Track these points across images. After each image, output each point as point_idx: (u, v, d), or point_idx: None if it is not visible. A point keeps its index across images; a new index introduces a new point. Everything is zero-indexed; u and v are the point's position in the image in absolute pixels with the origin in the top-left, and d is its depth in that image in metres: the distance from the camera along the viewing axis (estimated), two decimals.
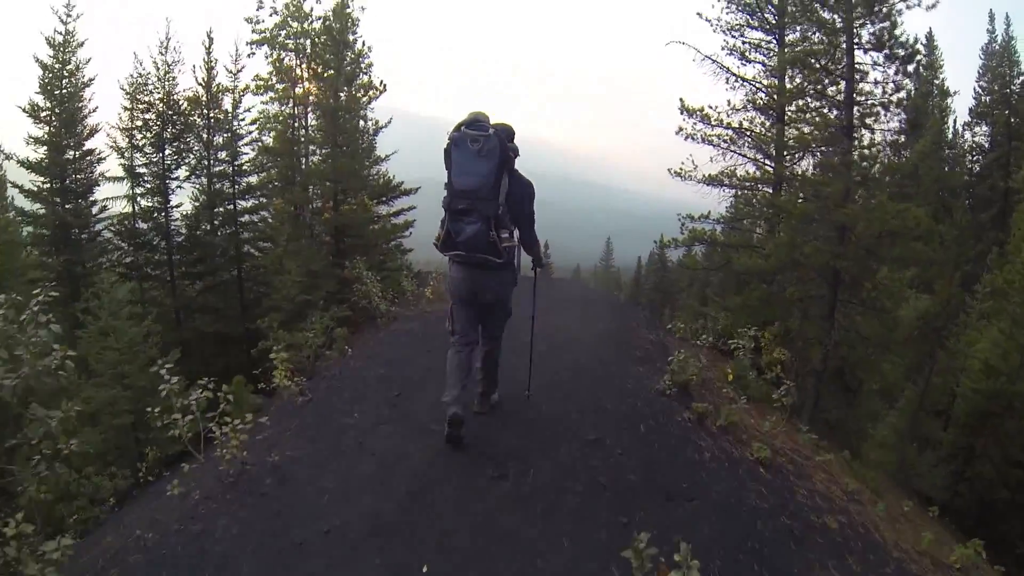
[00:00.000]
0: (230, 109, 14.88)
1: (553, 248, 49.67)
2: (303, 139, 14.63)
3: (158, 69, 13.97)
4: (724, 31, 12.14)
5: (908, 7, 8.22)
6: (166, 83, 14.01)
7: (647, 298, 44.16)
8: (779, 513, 3.99)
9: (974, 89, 24.65)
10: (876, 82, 8.64)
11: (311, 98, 14.02)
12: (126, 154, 13.76)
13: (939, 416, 13.94)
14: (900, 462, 11.63)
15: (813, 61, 8.78)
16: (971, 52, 25.67)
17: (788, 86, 10.10)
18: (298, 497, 3.58)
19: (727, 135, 11.34)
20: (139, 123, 13.85)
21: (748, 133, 10.98)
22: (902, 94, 8.64)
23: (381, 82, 12.92)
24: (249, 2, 15.16)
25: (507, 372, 4.72)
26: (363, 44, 13.36)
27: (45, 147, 12.80)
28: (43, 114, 12.77)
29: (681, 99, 11.65)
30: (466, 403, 4.07)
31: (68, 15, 12.76)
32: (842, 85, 8.82)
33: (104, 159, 13.66)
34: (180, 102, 14.34)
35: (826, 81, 8.94)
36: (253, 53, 15.24)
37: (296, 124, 15.40)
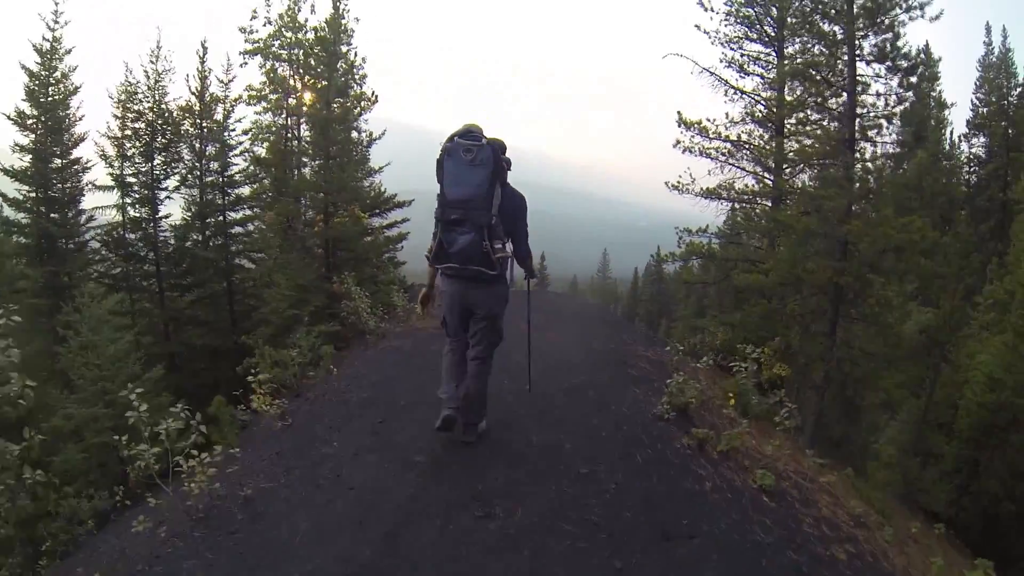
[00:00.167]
0: (221, 119, 14.67)
1: (550, 260, 49.61)
2: (296, 150, 14.46)
3: (148, 77, 13.77)
4: (723, 43, 12.05)
5: (911, 18, 8.06)
6: (156, 92, 13.79)
7: (644, 309, 44.02)
8: (785, 547, 3.74)
9: (971, 101, 24.71)
10: (878, 94, 8.50)
11: (304, 109, 13.89)
12: (114, 163, 13.50)
13: (941, 429, 13.74)
14: (904, 477, 11.42)
15: (814, 73, 8.60)
16: (967, 64, 25.71)
17: (788, 98, 9.93)
18: (269, 537, 3.33)
19: (725, 148, 11.21)
20: (128, 132, 13.60)
21: (747, 146, 10.82)
22: (905, 106, 8.47)
23: (373, 93, 12.78)
24: (243, 12, 15.08)
25: (505, 380, 4.50)
26: (355, 55, 13.23)
27: (30, 156, 12.54)
28: (29, 122, 12.52)
29: (679, 112, 11.52)
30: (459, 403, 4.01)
31: (56, 21, 12.55)
32: (843, 97, 8.65)
33: (90, 168, 13.40)
34: (171, 111, 14.12)
35: (827, 93, 8.77)
36: (246, 63, 15.12)
37: (289, 135, 15.26)
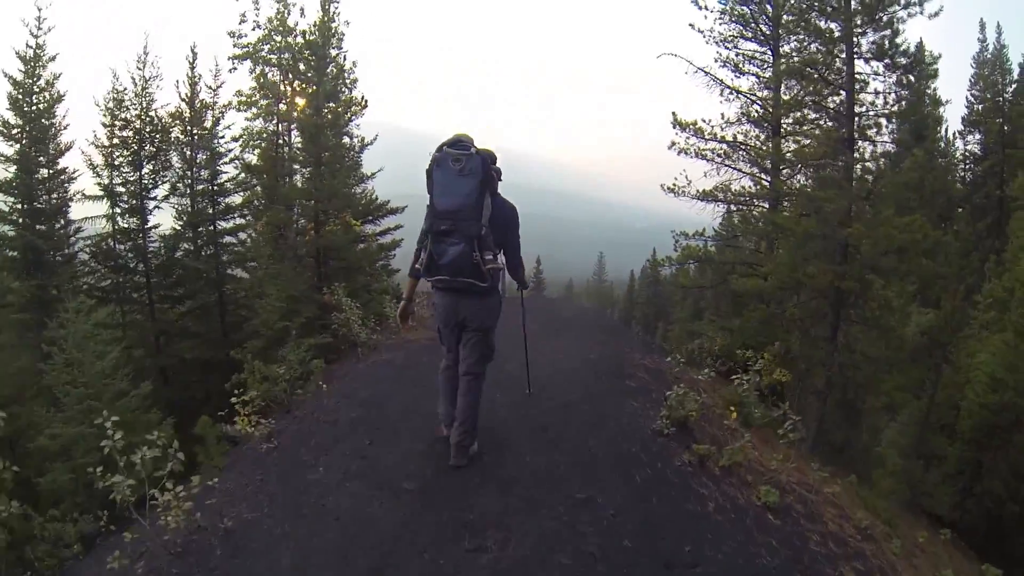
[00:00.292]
0: (210, 126, 14.46)
1: (545, 263, 49.51)
2: (287, 157, 14.26)
3: (135, 84, 13.54)
4: (717, 42, 11.91)
5: (910, 15, 7.91)
6: (144, 99, 13.56)
7: (640, 312, 43.88)
8: (792, 570, 3.59)
9: (966, 98, 24.65)
10: (876, 92, 8.34)
11: (295, 114, 13.70)
12: (102, 172, 13.28)
13: (943, 431, 13.62)
14: (908, 483, 11.28)
15: (811, 72, 8.44)
16: (960, 61, 25.65)
17: (785, 98, 9.78)
18: (249, 573, 3.15)
19: (721, 149, 11.06)
20: (116, 141, 13.37)
21: (743, 147, 10.66)
22: (903, 104, 8.31)
23: (363, 97, 12.59)
24: (231, 15, 14.89)
25: (498, 393, 4.32)
26: (344, 58, 13.05)
27: (15, 166, 12.30)
28: (13, 131, 12.28)
29: (674, 113, 11.38)
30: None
31: (39, 28, 12.31)
32: (841, 96, 8.49)
33: (76, 178, 13.16)
34: (160, 118, 13.90)
35: (825, 92, 8.61)
36: (235, 68, 14.89)
37: (280, 141, 15.05)
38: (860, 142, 8.56)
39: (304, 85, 13.29)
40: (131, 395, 9.08)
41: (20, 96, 12.30)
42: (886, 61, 8.14)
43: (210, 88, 14.31)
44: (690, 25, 11.90)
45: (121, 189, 13.61)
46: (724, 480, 4.52)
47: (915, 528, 8.80)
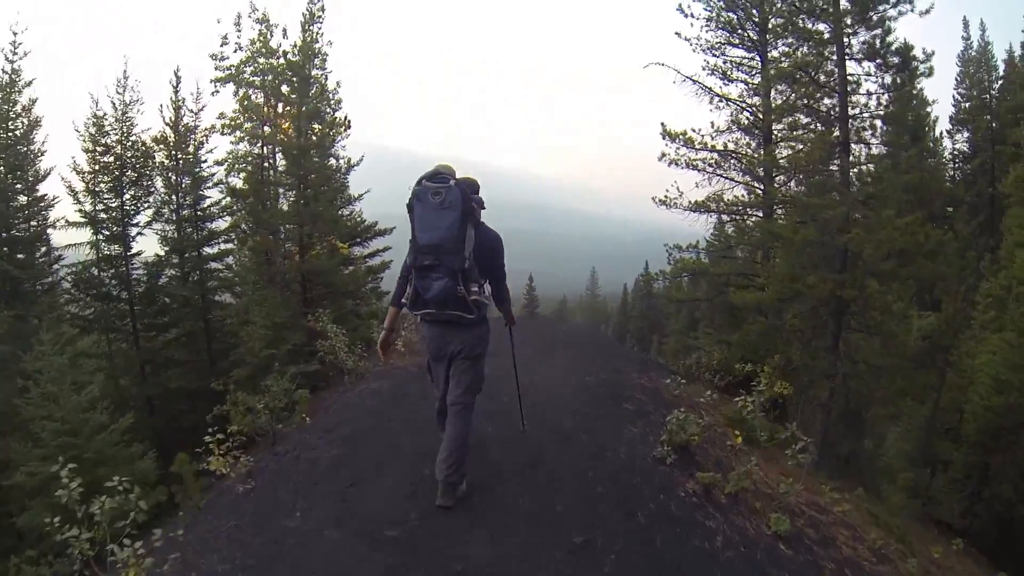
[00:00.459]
0: (192, 150, 14.21)
1: (538, 280, 49.37)
2: (272, 180, 14.01)
3: (116, 109, 13.29)
4: (704, 50, 11.78)
5: (900, 13, 7.75)
6: (124, 124, 13.30)
7: (635, 326, 43.65)
8: None
9: (953, 96, 24.78)
10: (869, 93, 8.17)
11: (279, 137, 13.48)
12: (83, 199, 12.97)
13: (947, 435, 13.39)
14: (916, 492, 11.02)
15: (802, 75, 8.26)
16: (945, 60, 25.70)
17: (777, 102, 9.60)
18: None
19: (712, 159, 10.86)
20: (96, 167, 13.09)
21: (735, 155, 10.48)
22: (898, 104, 8.13)
23: (345, 118, 12.38)
24: (212, 37, 14.66)
25: (489, 427, 4.05)
26: (327, 79, 12.84)
27: None
28: None
29: (663, 124, 11.20)
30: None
31: (14, 52, 12.05)
32: (834, 99, 8.31)
33: (55, 205, 12.85)
34: (142, 143, 13.64)
35: (818, 95, 8.43)
36: (217, 91, 14.66)
37: (265, 165, 14.80)
38: (855, 145, 8.39)
39: (287, 107, 13.10)
40: (110, 429, 8.71)
41: None
42: (878, 61, 7.99)
43: (192, 112, 14.04)
44: (676, 34, 11.79)
45: (104, 216, 13.31)
46: (731, 509, 4.26)
47: (928, 542, 8.52)
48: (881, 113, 8.07)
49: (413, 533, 3.44)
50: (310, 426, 5.80)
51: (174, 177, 14.10)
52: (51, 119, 12.94)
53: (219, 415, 7.32)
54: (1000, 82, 23.68)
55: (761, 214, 10.43)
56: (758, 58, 11.51)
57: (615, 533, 3.49)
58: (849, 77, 8.16)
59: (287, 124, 12.56)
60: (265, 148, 14.73)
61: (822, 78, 8.44)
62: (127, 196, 13.33)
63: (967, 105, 24.38)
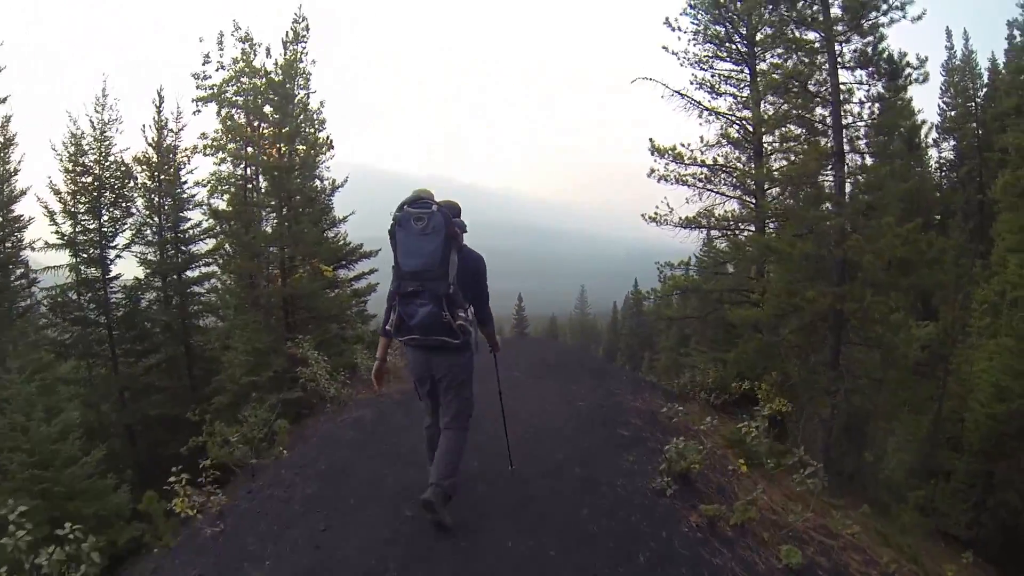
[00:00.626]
0: (173, 171, 13.92)
1: (527, 298, 49.22)
2: (255, 202, 13.72)
3: (94, 128, 12.99)
4: (692, 64, 11.64)
5: (892, 20, 7.62)
6: (102, 143, 12.99)
7: (625, 344, 43.40)
8: None
9: (938, 105, 24.97)
10: (861, 102, 8.02)
11: (262, 157, 13.21)
12: (59, 219, 12.60)
13: (948, 444, 13.20)
14: (926, 509, 10.80)
15: (794, 84, 8.10)
16: (930, 70, 25.92)
17: (769, 113, 9.44)
18: None
19: (703, 173, 10.66)
20: (73, 187, 12.75)
21: (726, 169, 10.30)
22: (892, 112, 7.99)
23: (327, 138, 12.14)
24: (194, 56, 14.43)
25: (475, 462, 3.78)
26: (309, 97, 12.60)
27: None
28: None
29: (651, 139, 11.00)
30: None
31: None
32: (828, 109, 8.15)
33: (28, 225, 12.49)
34: (120, 163, 13.32)
35: (811, 104, 8.27)
36: (199, 110, 14.38)
37: (249, 186, 14.52)
38: (850, 155, 8.22)
39: (270, 127, 12.85)
40: (81, 462, 8.30)
41: None
42: (870, 69, 7.86)
43: (172, 131, 13.77)
44: (664, 47, 11.67)
45: (82, 238, 12.95)
46: (739, 542, 3.97)
47: (938, 558, 8.25)
48: (875, 122, 7.91)
49: None
50: (287, 460, 5.47)
51: (156, 198, 13.79)
52: (26, 137, 12.64)
53: (194, 447, 7.01)
54: (984, 89, 23.89)
55: (754, 228, 10.23)
56: (747, 71, 11.40)
57: None
58: (841, 86, 8.02)
59: (269, 144, 12.29)
60: (248, 169, 14.47)
61: (813, 87, 8.28)
62: (105, 218, 12.98)
63: (953, 113, 24.56)
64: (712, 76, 11.55)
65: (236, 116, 14.40)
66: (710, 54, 11.67)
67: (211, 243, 14.16)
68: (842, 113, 8.10)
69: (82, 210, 12.87)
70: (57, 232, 12.65)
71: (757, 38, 11.05)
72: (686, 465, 4.51)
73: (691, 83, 11.47)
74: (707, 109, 11.14)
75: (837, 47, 7.95)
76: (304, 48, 13.16)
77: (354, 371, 8.75)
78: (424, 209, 3.40)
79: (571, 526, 3.62)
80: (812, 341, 8.53)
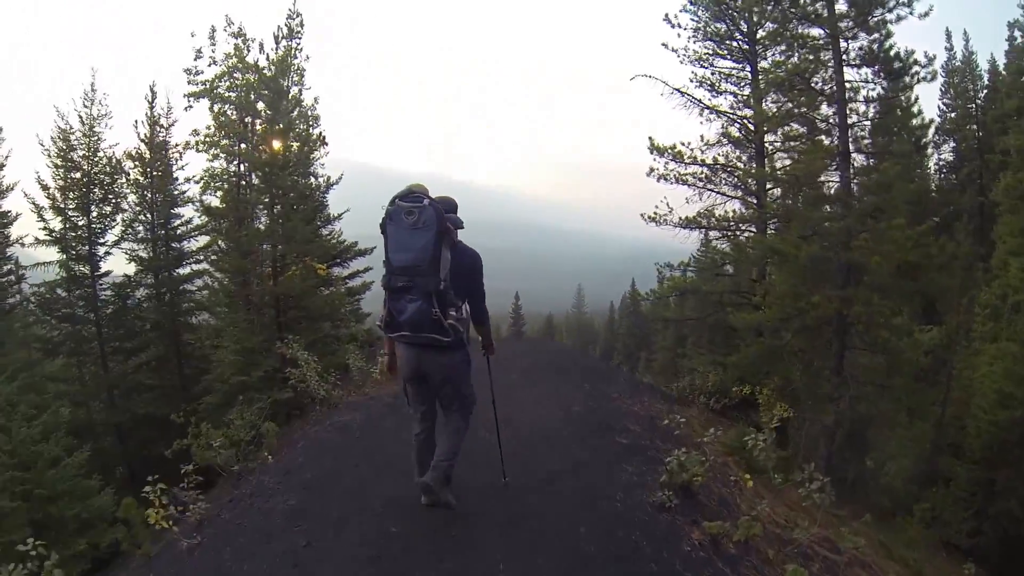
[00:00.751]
0: (162, 168, 13.69)
1: (524, 297, 48.98)
2: (249, 199, 13.50)
3: (83, 123, 12.74)
4: (692, 62, 11.45)
5: (899, 17, 7.42)
6: (91, 139, 12.74)
7: (622, 343, 43.19)
8: None
9: (938, 107, 24.75)
10: (867, 101, 7.83)
11: (254, 154, 12.99)
12: (47, 216, 12.36)
13: (949, 450, 13.03)
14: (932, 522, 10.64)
15: (798, 81, 7.89)
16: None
17: (772, 110, 9.23)
18: None
19: (703, 173, 10.48)
20: (62, 183, 12.50)
21: (727, 168, 10.10)
22: (899, 111, 7.81)
23: (320, 134, 11.92)
24: (185, 51, 14.17)
25: (466, 471, 3.77)
26: (301, 92, 12.36)
27: None
28: None
29: (650, 138, 10.81)
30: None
31: None
32: (833, 108, 7.94)
33: (14, 221, 12.23)
34: (111, 158, 13.08)
35: (817, 101, 8.06)
36: (191, 106, 14.14)
37: (243, 183, 14.29)
38: (853, 154, 8.02)
39: (264, 123, 12.62)
40: (63, 463, 8.08)
41: None
42: (876, 67, 7.67)
43: (162, 127, 13.54)
44: (663, 45, 11.48)
45: (72, 234, 12.71)
46: (743, 560, 3.77)
47: (942, 570, 8.09)
48: (882, 120, 7.71)
49: None
50: (272, 466, 5.24)
51: (149, 195, 13.56)
52: (12, 132, 12.36)
53: (178, 450, 6.80)
54: (985, 91, 23.72)
55: (755, 229, 10.04)
56: (748, 69, 11.22)
57: None
58: (847, 84, 7.81)
59: (261, 140, 12.06)
60: (242, 166, 14.24)
61: (817, 85, 8.07)
62: (94, 214, 12.73)
63: (953, 115, 24.38)
64: (712, 74, 11.43)
65: (229, 112, 14.19)
66: (710, 51, 11.52)
67: (203, 240, 13.95)
68: (847, 112, 7.90)
69: (71, 206, 12.63)
70: (45, 228, 12.41)
71: (759, 35, 10.87)
72: (688, 477, 4.31)
73: (691, 81, 11.33)
74: (707, 107, 10.98)
75: (843, 44, 7.75)
76: (299, 44, 12.95)
77: (345, 371, 8.53)
78: (416, 203, 3.30)
79: (568, 546, 3.40)
80: (815, 346, 8.32)
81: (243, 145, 13.72)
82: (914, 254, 6.97)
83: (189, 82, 13.58)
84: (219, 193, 13.96)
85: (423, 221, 3.26)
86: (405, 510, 3.76)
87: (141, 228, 13.60)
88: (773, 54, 10.42)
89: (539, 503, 3.90)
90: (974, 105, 23.63)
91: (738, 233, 10.62)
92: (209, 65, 13.49)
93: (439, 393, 3.72)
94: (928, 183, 23.30)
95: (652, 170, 10.79)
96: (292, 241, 9.97)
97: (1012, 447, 10.65)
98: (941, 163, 25.12)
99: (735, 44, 11.18)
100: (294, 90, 12.78)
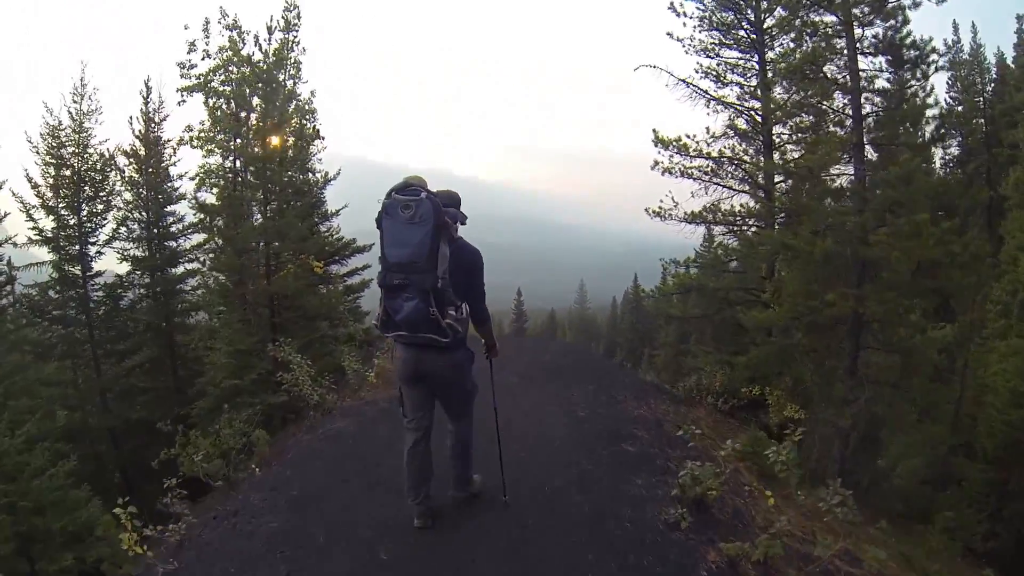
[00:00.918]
0: (164, 164, 13.41)
1: (526, 293, 48.71)
2: (243, 196, 13.21)
3: (73, 120, 12.43)
4: (698, 52, 11.13)
5: (916, 3, 7.08)
6: (81, 135, 12.44)
7: (624, 339, 42.91)
8: None
9: (945, 100, 24.34)
10: (883, 91, 7.51)
11: (250, 150, 12.70)
12: (35, 214, 12.06)
13: (961, 450, 12.75)
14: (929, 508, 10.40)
15: (811, 70, 7.56)
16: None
17: (782, 99, 8.91)
18: None
19: (708, 166, 10.18)
20: (51, 180, 12.21)
21: (734, 161, 9.79)
22: (919, 101, 7.49)
23: (314, 127, 11.62)
24: (178, 44, 13.86)
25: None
26: (296, 84, 12.05)
27: None
28: None
29: (654, 130, 10.51)
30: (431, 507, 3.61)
31: None
32: (846, 97, 7.62)
33: (2, 220, 11.96)
34: (100, 156, 12.77)
35: (831, 89, 7.74)
36: (184, 100, 13.83)
37: (239, 179, 14.00)
38: (868, 147, 7.70)
39: (259, 118, 12.32)
40: (48, 473, 7.80)
41: None
42: (892, 56, 7.34)
43: (154, 122, 13.24)
44: (668, 34, 11.16)
45: (62, 233, 12.41)
46: None
47: None
48: (897, 112, 7.39)
49: None
50: (259, 479, 4.95)
51: (144, 192, 13.28)
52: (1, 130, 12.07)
53: (165, 459, 6.54)
54: (992, 84, 23.33)
55: (764, 224, 9.73)
56: (755, 59, 10.91)
57: None
58: (861, 73, 7.49)
59: (255, 135, 11.76)
60: (237, 162, 13.94)
61: (836, 75, 7.74)
62: (84, 212, 12.44)
63: (960, 109, 24.00)
64: (719, 64, 11.10)
65: (223, 107, 13.88)
66: (716, 41, 11.20)
67: (197, 239, 13.67)
68: (862, 102, 7.58)
69: (61, 205, 12.33)
70: (34, 228, 12.12)
71: (766, 25, 10.55)
72: (701, 491, 4.03)
73: (696, 72, 11.01)
74: (713, 98, 10.65)
75: (857, 31, 7.41)
76: (296, 37, 12.65)
77: (341, 374, 8.25)
78: (413, 196, 3.13)
79: (571, 573, 3.11)
80: (829, 345, 8.02)
81: (238, 140, 13.44)
82: (937, 251, 6.65)
83: (182, 76, 13.26)
84: (215, 190, 13.70)
85: (420, 215, 3.10)
86: (396, 534, 3.47)
87: (137, 227, 13.32)
88: (781, 44, 10.11)
89: (542, 524, 3.60)
90: (982, 99, 23.25)
91: (744, 228, 10.33)
92: (203, 58, 13.15)
93: (441, 396, 3.62)
94: (933, 176, 22.93)
95: (657, 163, 10.49)
96: (286, 238, 9.67)
97: None
98: (947, 157, 24.78)
99: (742, 33, 10.88)
100: (290, 84, 12.51)
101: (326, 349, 9.76)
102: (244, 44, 13.47)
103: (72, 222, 12.39)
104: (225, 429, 6.13)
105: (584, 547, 3.34)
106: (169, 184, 13.63)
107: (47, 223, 12.36)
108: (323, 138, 11.90)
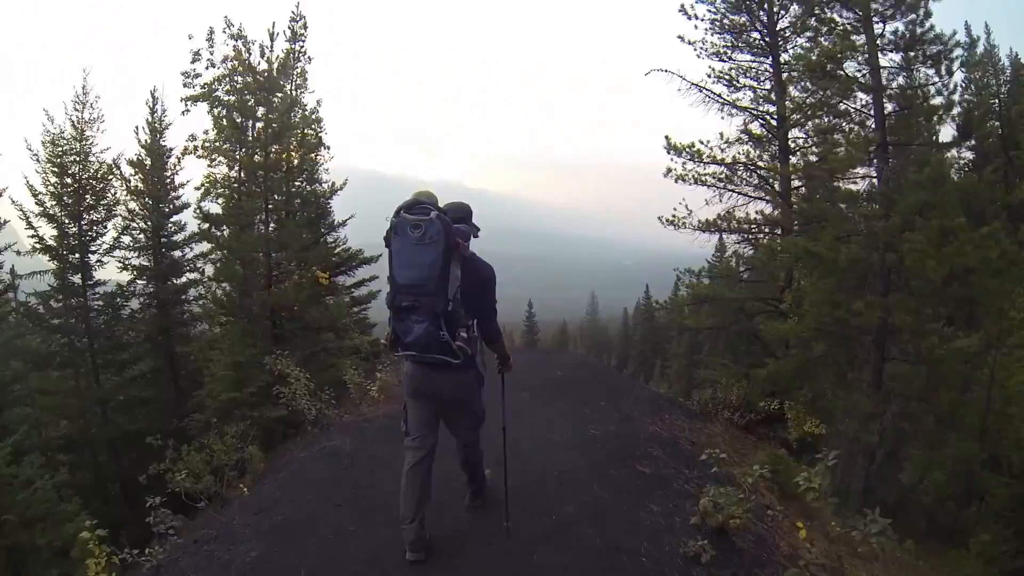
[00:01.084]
0: (169, 174, 13.29)
1: (537, 305, 48.50)
2: (246, 206, 13.06)
3: (75, 127, 12.30)
4: (709, 55, 10.86)
5: None
6: (83, 143, 12.30)
7: (637, 350, 42.52)
8: None
9: (959, 102, 23.90)
10: (905, 88, 7.17)
11: (254, 159, 12.55)
12: (35, 223, 11.92)
13: (987, 463, 12.25)
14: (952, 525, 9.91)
15: (832, 67, 7.24)
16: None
17: (801, 99, 8.58)
18: None
19: (723, 173, 9.86)
20: (52, 189, 12.08)
21: (750, 166, 9.46)
22: (948, 99, 7.15)
23: (316, 134, 11.43)
24: (181, 53, 13.77)
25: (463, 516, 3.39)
26: (299, 92, 11.89)
27: None
28: None
29: (667, 136, 10.25)
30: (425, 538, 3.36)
31: None
32: (870, 95, 7.29)
33: (1, 227, 11.81)
34: (101, 165, 12.64)
35: (854, 87, 7.41)
36: (188, 110, 13.72)
37: (243, 189, 13.87)
38: (891, 147, 7.35)
39: (263, 127, 12.18)
40: (33, 487, 7.56)
41: None
42: (911, 53, 7.02)
43: (156, 130, 13.13)
44: (680, 37, 10.90)
45: (63, 242, 12.27)
46: None
47: None
48: (925, 109, 7.05)
49: None
50: (247, 500, 4.66)
51: (151, 202, 13.16)
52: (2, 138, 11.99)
53: (154, 475, 6.28)
54: (1008, 86, 22.89)
55: (781, 231, 9.38)
56: (769, 62, 10.62)
57: None
58: (882, 71, 7.17)
59: (260, 145, 11.61)
60: (242, 172, 13.80)
61: (857, 73, 7.41)
62: (85, 221, 12.28)
63: (975, 112, 23.52)
64: (731, 68, 10.78)
65: (229, 116, 13.75)
66: (728, 45, 10.90)
67: (200, 248, 13.51)
68: (885, 99, 7.24)
69: (62, 213, 12.19)
70: (34, 236, 11.98)
71: (780, 27, 10.26)
72: (723, 518, 3.70)
73: (708, 76, 10.72)
74: (727, 103, 10.35)
75: (878, 26, 7.08)
76: (302, 47, 12.53)
77: (344, 388, 7.96)
78: (422, 215, 3.02)
79: None
80: (853, 357, 7.63)
81: (243, 150, 13.28)
82: (974, 257, 6.29)
83: (185, 85, 13.15)
84: (220, 200, 13.53)
85: (430, 236, 3.00)
86: (387, 568, 3.16)
87: (142, 236, 13.18)
88: (795, 47, 9.82)
89: (551, 560, 3.26)
90: (997, 100, 22.81)
91: (760, 236, 10.00)
92: (207, 68, 13.05)
93: (448, 417, 3.53)
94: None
95: (669, 170, 10.22)
96: (289, 248, 9.44)
97: None
98: (962, 161, 24.30)
99: (755, 36, 10.59)
100: (295, 93, 12.37)
101: (329, 362, 9.50)
102: (249, 53, 13.38)
103: (73, 230, 12.23)
104: (216, 445, 5.85)
105: None
106: (173, 193, 13.50)
107: (48, 231, 12.24)
108: (328, 147, 11.71)
